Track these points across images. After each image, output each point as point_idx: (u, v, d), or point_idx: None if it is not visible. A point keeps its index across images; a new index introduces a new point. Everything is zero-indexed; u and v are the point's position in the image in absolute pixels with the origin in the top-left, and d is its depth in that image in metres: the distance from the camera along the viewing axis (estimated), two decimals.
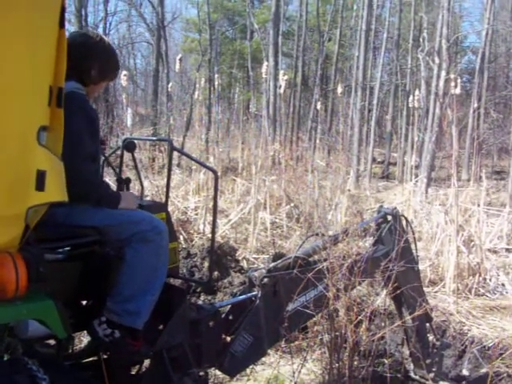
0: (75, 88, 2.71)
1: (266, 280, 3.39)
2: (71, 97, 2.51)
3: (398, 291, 3.87)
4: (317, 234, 3.99)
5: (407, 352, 4.25)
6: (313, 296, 3.56)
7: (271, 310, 3.40)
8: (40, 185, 2.11)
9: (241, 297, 3.45)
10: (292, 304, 3.47)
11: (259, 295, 3.36)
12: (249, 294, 3.41)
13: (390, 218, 4.09)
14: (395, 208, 4.23)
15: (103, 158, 3.07)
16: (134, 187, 3.27)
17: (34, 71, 2.10)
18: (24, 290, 2.16)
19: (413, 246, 4.29)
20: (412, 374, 4.23)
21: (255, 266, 6.50)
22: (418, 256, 4.37)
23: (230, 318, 3.37)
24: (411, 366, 4.25)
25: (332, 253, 3.58)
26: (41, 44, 2.12)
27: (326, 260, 3.60)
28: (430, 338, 4.37)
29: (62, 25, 2.17)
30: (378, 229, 4.06)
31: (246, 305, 3.39)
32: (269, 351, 4.53)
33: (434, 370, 4.11)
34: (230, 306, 3.44)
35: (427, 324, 4.31)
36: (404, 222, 4.21)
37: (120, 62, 3.10)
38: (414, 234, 4.47)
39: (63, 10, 2.18)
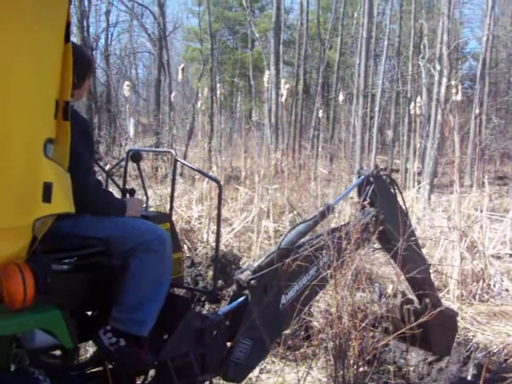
0: None
1: (253, 282, 3.25)
2: None
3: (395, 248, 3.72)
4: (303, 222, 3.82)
5: (411, 359, 4.26)
6: (306, 282, 3.47)
7: (265, 309, 3.30)
8: (47, 196, 2.14)
9: (235, 302, 3.31)
10: (286, 296, 3.38)
11: (250, 298, 3.25)
12: (240, 299, 3.30)
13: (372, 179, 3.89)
14: (376, 168, 4.02)
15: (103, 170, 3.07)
16: (139, 197, 3.29)
17: (39, 85, 2.13)
18: (31, 300, 2.18)
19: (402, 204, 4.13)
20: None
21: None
22: (407, 209, 4.21)
23: (227, 323, 3.28)
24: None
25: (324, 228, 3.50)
26: (46, 59, 2.15)
27: (317, 237, 3.52)
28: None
29: (67, 40, 2.21)
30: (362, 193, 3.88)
31: (239, 308, 3.29)
32: (274, 359, 4.56)
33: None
34: (224, 313, 3.30)
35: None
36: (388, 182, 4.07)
37: (95, 64, 3.03)
38: (401, 192, 4.31)
39: (68, 25, 2.21)
